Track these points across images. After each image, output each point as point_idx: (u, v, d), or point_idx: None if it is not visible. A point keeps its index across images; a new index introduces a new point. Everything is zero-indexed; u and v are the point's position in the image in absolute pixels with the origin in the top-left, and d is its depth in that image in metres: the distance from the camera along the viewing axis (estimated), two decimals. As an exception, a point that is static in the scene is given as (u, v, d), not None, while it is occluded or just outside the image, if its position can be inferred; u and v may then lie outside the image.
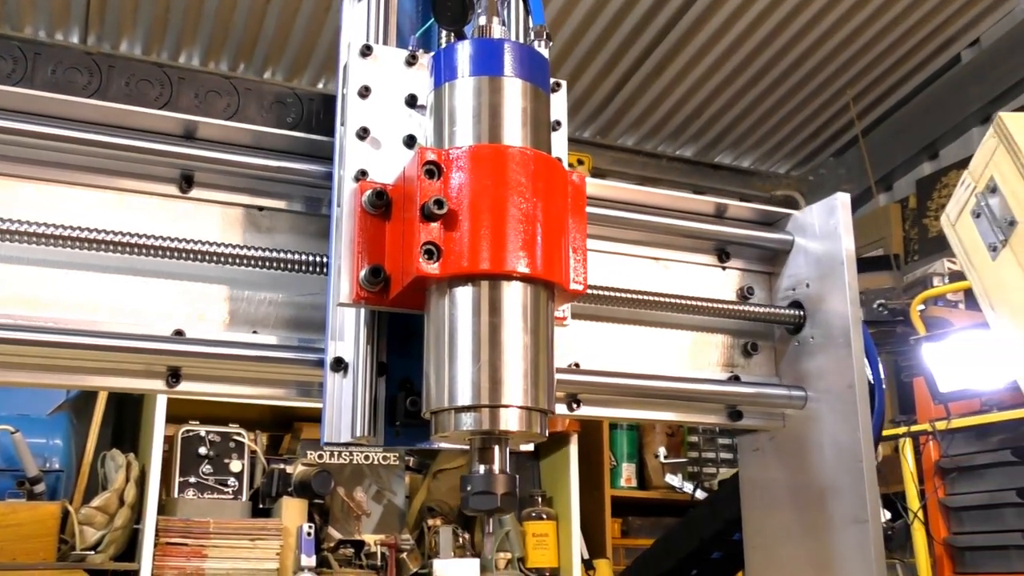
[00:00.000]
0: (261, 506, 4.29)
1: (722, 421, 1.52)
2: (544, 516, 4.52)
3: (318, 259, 1.22)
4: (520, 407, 1.01)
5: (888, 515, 3.98)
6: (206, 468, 4.21)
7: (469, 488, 1.04)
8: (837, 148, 6.42)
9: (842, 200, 1.49)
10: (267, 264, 1.19)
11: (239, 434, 4.32)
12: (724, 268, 1.59)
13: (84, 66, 1.28)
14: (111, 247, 1.16)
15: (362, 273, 1.08)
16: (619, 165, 5.93)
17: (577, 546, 4.50)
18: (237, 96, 1.35)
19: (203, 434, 4.25)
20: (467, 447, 1.07)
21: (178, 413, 4.14)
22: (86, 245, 1.16)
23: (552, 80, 1.22)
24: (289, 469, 4.29)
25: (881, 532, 1.34)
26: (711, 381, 1.52)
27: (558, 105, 1.25)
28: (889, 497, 4.05)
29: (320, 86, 5.46)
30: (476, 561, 4.34)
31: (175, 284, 1.25)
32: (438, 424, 1.04)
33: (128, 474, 4.05)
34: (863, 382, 1.40)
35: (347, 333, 1.16)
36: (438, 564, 4.30)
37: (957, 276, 4.75)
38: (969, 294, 4.52)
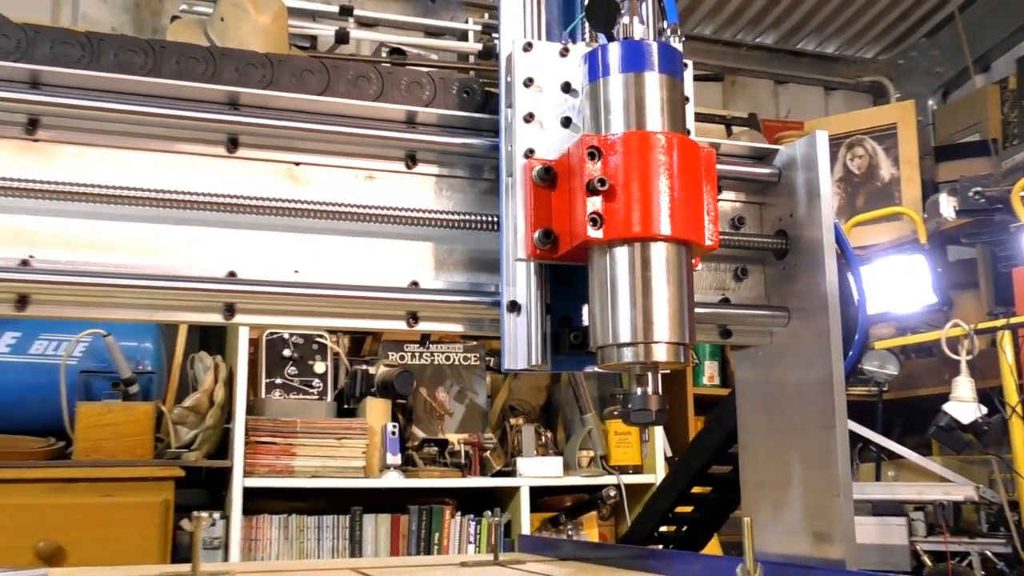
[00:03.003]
0: (345, 406, 4.69)
1: (715, 339, 1.83)
2: (627, 415, 4.90)
3: (490, 218, 1.64)
4: (668, 342, 1.43)
5: (984, 410, 4.09)
6: (291, 370, 4.62)
7: (630, 406, 1.48)
8: (930, 28, 6.44)
9: (820, 136, 1.73)
10: (437, 223, 1.62)
11: (321, 336, 4.70)
12: (718, 201, 1.81)
13: (139, 48, 1.53)
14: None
15: (536, 235, 1.49)
16: (696, 55, 6.00)
17: (660, 444, 4.84)
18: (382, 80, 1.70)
19: (286, 337, 4.64)
20: (626, 372, 1.50)
21: (261, 317, 4.57)
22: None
23: (681, 62, 1.58)
24: (372, 370, 4.63)
25: (847, 436, 1.61)
26: (703, 304, 1.78)
27: (686, 83, 1.61)
28: (986, 392, 4.15)
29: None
30: (559, 459, 4.75)
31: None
32: (603, 356, 1.46)
33: (216, 375, 4.43)
34: (835, 303, 1.67)
35: (519, 280, 1.58)
36: (522, 462, 4.70)
37: (1062, 160, 4.83)
38: (1076, 178, 4.54)
